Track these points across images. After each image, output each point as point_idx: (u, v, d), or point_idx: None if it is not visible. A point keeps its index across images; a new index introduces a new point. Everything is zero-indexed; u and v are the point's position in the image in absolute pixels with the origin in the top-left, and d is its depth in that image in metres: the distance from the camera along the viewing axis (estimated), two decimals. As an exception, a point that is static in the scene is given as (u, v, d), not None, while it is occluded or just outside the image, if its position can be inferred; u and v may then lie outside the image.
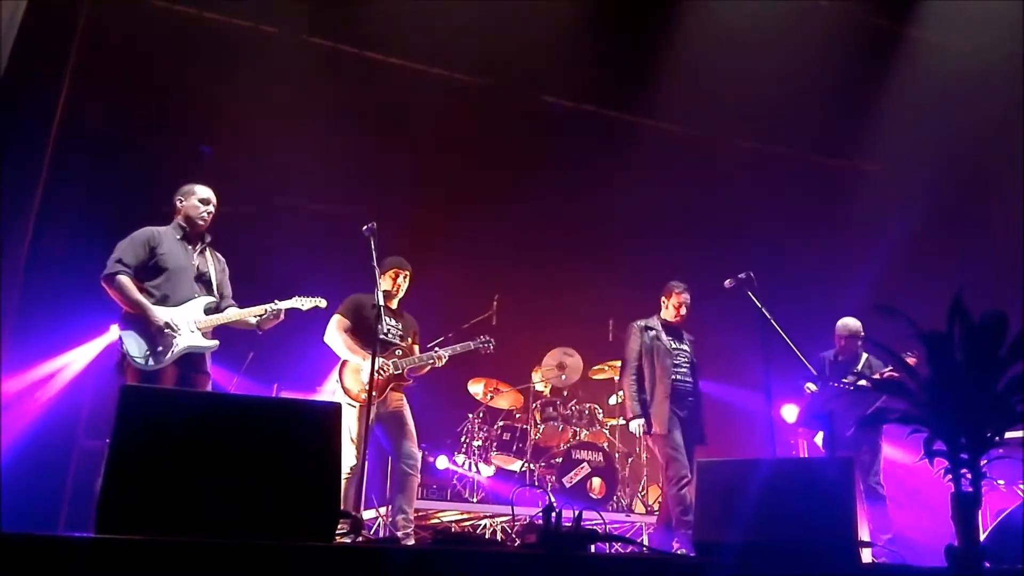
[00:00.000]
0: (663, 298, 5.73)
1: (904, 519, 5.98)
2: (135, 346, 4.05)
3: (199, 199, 4.41)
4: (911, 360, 5.23)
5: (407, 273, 5.15)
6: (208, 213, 4.42)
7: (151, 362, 4.04)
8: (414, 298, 5.46)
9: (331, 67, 7.09)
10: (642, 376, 5.48)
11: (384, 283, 5.05)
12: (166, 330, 4.09)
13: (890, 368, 5.70)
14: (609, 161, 7.98)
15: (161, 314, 4.11)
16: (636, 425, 5.42)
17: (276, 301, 4.44)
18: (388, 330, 4.95)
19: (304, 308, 4.54)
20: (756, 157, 8.22)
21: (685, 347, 5.63)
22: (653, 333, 5.56)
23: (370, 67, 7.43)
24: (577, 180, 8.14)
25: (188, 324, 4.18)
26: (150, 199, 6.21)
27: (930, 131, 7.26)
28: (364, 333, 4.94)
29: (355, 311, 5.03)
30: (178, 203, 4.41)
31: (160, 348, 4.08)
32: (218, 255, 4.53)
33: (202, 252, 4.42)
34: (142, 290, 4.16)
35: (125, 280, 4.11)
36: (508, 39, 6.95)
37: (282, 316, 4.44)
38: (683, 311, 5.63)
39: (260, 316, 4.38)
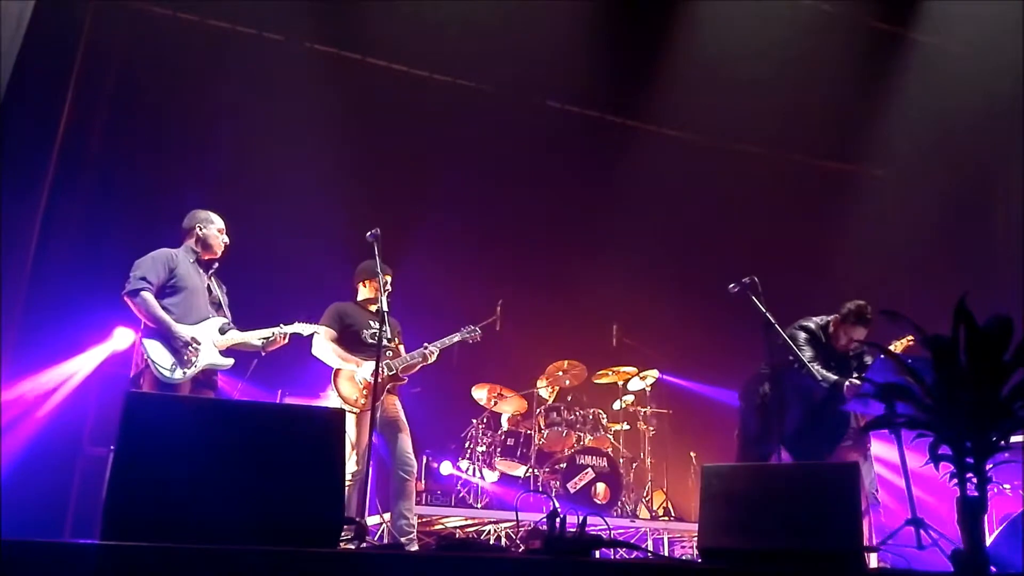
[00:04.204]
0: (841, 318, 5.08)
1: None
2: (162, 356, 4.21)
3: (218, 228, 4.61)
4: (904, 344, 5.22)
5: (389, 277, 5.15)
6: (225, 243, 4.62)
7: (176, 373, 4.21)
8: (417, 303, 5.45)
9: (334, 73, 7.12)
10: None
11: (367, 291, 5.14)
12: (192, 345, 4.27)
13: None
14: (613, 166, 7.99)
15: (184, 331, 4.28)
16: (845, 382, 4.82)
17: (281, 325, 4.61)
18: (375, 333, 4.95)
19: (304, 333, 4.72)
20: (760, 162, 8.22)
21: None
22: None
23: (373, 73, 7.46)
24: (580, 185, 8.14)
25: (207, 341, 4.37)
26: (154, 206, 6.25)
27: (934, 134, 7.26)
28: (351, 340, 4.97)
29: (339, 320, 5.03)
30: (198, 230, 4.56)
31: (185, 360, 4.25)
32: (220, 281, 4.70)
33: (211, 277, 4.61)
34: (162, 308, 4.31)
35: (149, 296, 4.27)
36: (511, 44, 6.97)
37: (287, 339, 4.62)
38: (852, 344, 5.10)
39: (266, 339, 4.54)
